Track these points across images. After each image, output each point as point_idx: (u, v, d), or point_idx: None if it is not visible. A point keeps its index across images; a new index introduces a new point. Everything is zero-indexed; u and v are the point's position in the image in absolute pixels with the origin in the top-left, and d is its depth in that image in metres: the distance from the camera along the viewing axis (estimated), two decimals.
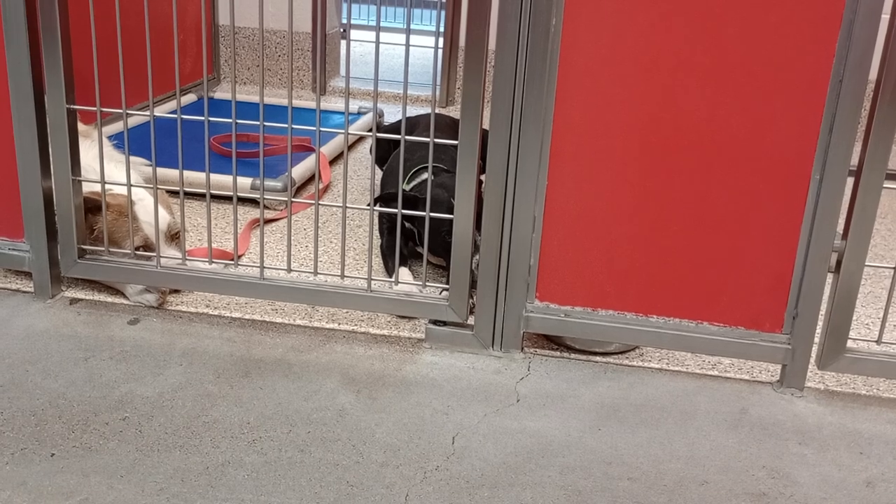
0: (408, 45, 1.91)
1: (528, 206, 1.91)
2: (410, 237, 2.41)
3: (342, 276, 2.08)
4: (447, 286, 2.03)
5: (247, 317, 2.14)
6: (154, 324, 2.08)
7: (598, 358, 2.05)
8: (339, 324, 2.14)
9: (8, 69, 1.98)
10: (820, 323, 1.91)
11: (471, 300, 2.03)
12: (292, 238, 2.23)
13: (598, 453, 1.70)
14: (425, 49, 5.18)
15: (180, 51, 2.00)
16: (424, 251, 2.09)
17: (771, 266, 1.88)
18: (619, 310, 1.97)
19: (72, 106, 2.01)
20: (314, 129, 1.96)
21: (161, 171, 2.13)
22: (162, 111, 3.07)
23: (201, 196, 2.08)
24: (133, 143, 2.10)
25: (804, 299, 1.88)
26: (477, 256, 1.99)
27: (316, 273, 2.09)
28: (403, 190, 2.19)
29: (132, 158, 2.12)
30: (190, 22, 3.86)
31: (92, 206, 2.12)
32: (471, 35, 1.84)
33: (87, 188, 2.12)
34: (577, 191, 1.89)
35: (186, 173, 2.05)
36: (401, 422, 1.76)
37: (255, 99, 3.60)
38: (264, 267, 2.07)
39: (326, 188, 3.08)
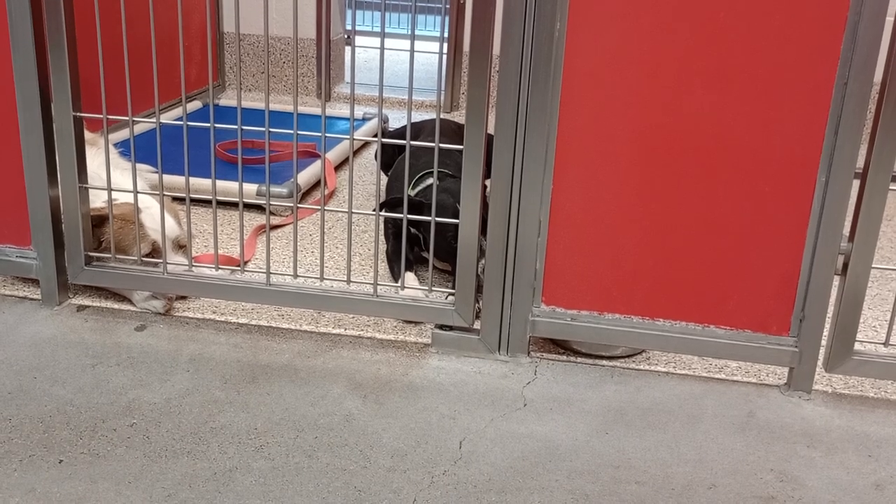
0: (412, 51, 1.91)
1: (533, 210, 1.91)
2: (416, 242, 2.41)
3: (348, 281, 2.08)
4: (453, 291, 2.03)
5: (253, 322, 2.15)
6: (161, 330, 2.09)
7: (604, 362, 2.05)
8: (346, 329, 2.14)
9: (15, 77, 1.99)
10: (827, 326, 1.91)
11: (477, 304, 2.03)
12: (298, 244, 2.23)
13: (605, 457, 1.70)
14: (430, 54, 5.20)
15: (186, 58, 2.00)
16: (430, 256, 2.09)
17: (777, 269, 1.88)
18: (626, 313, 1.97)
19: (78, 113, 2.01)
20: (319, 134, 1.96)
21: (167, 177, 2.13)
22: (168, 118, 3.08)
23: (207, 202, 2.09)
24: (139, 150, 2.11)
25: (811, 302, 1.88)
26: (483, 261, 1.99)
27: (322, 278, 2.09)
28: (409, 195, 2.20)
29: (138, 165, 2.13)
30: (195, 29, 3.87)
31: (98, 221, 2.13)
32: (475, 40, 1.84)
33: (92, 201, 2.12)
34: (583, 195, 1.89)
35: (192, 180, 2.06)
36: (408, 427, 1.76)
37: (260, 105, 3.61)
38: (270, 273, 2.07)
39: (332, 194, 3.09)
